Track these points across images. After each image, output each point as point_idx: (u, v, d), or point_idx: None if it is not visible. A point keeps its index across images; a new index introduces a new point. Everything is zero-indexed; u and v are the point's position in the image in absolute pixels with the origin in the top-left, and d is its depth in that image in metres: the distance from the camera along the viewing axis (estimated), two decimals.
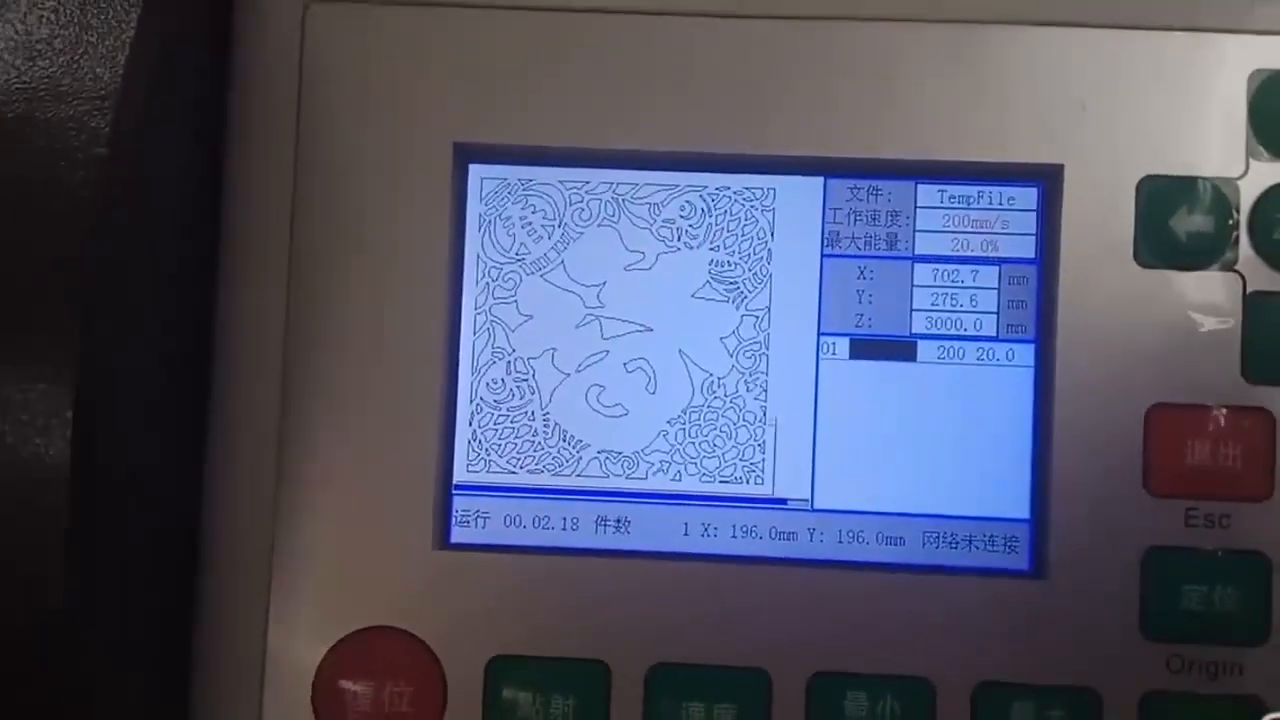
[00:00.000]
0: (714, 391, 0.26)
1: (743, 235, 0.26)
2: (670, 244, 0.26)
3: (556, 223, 0.26)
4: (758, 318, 0.26)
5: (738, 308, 0.26)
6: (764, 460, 0.26)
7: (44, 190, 0.22)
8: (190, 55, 0.25)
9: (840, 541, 0.25)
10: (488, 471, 0.26)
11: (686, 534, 0.26)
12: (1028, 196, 0.26)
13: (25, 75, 0.23)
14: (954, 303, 0.26)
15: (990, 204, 0.26)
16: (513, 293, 0.26)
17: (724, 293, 0.26)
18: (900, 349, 0.26)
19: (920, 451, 0.25)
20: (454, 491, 0.26)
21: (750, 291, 0.26)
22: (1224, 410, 0.24)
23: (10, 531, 0.20)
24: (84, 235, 0.21)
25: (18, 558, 0.20)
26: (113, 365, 0.21)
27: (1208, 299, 0.25)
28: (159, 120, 0.23)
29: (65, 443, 0.20)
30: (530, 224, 0.26)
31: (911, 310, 0.26)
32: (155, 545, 0.24)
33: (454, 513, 0.26)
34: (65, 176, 0.22)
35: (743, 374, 0.26)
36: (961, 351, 0.26)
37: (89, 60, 0.23)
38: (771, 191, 0.26)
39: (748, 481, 0.26)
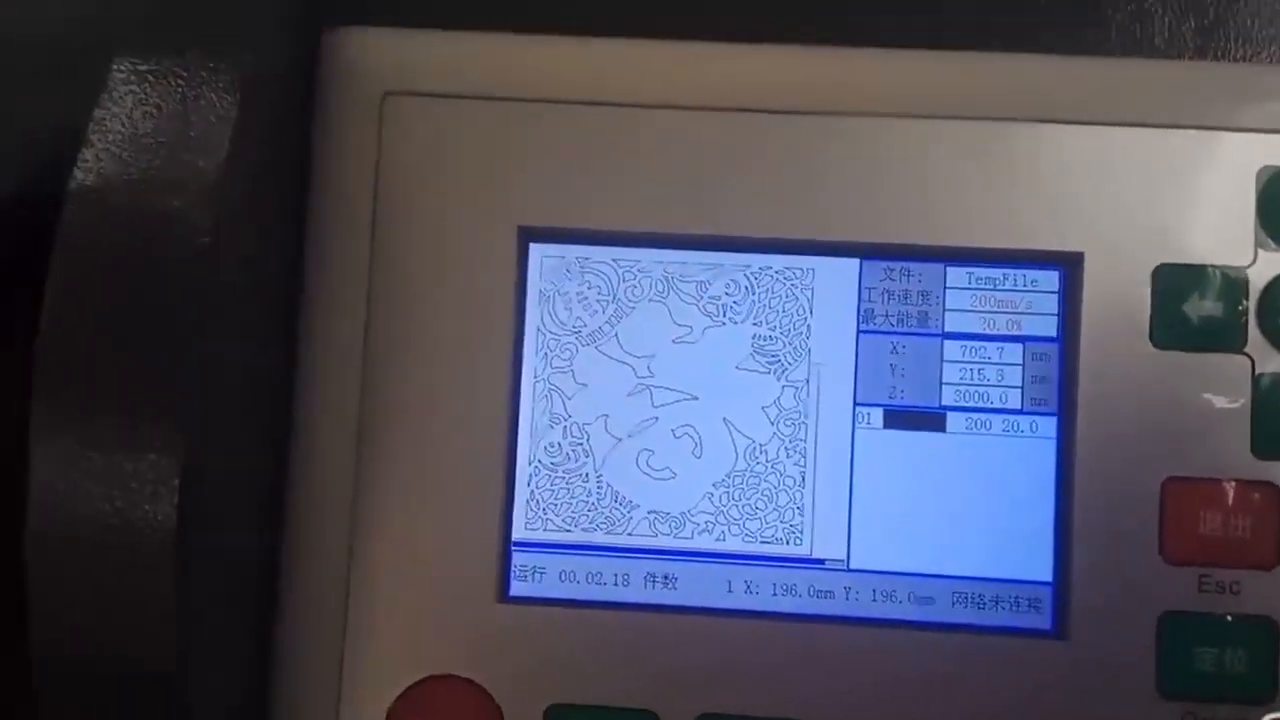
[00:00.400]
0: (756, 457, 0.28)
1: (783, 312, 0.28)
2: (716, 319, 0.28)
3: (610, 298, 0.28)
4: (797, 389, 0.28)
5: (779, 379, 0.28)
6: (803, 522, 0.28)
7: (152, 275, 0.24)
8: (283, 143, 0.27)
9: (874, 600, 0.27)
10: (545, 529, 0.28)
11: (730, 591, 0.28)
12: (1050, 279, 0.28)
13: (132, 167, 0.25)
14: (981, 377, 0.28)
15: (1015, 286, 0.28)
16: (569, 363, 0.28)
17: (766, 365, 0.28)
18: (931, 420, 0.28)
19: (950, 516, 0.27)
20: (513, 548, 0.28)
21: (790, 364, 0.28)
22: (1234, 483, 0.26)
23: (120, 591, 0.22)
24: (190, 318, 0.23)
25: (127, 617, 0.22)
26: (211, 435, 0.23)
27: (1219, 379, 0.26)
28: (257, 206, 0.26)
29: (172, 508, 0.22)
30: (586, 299, 0.28)
31: (941, 384, 0.28)
32: (242, 599, 0.26)
33: (513, 568, 0.28)
34: (171, 262, 0.24)
35: (783, 441, 0.28)
36: (988, 423, 0.28)
37: (191, 154, 0.25)
38: (810, 272, 0.28)
39: (788, 542, 0.28)
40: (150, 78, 0.26)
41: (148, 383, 0.23)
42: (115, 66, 0.25)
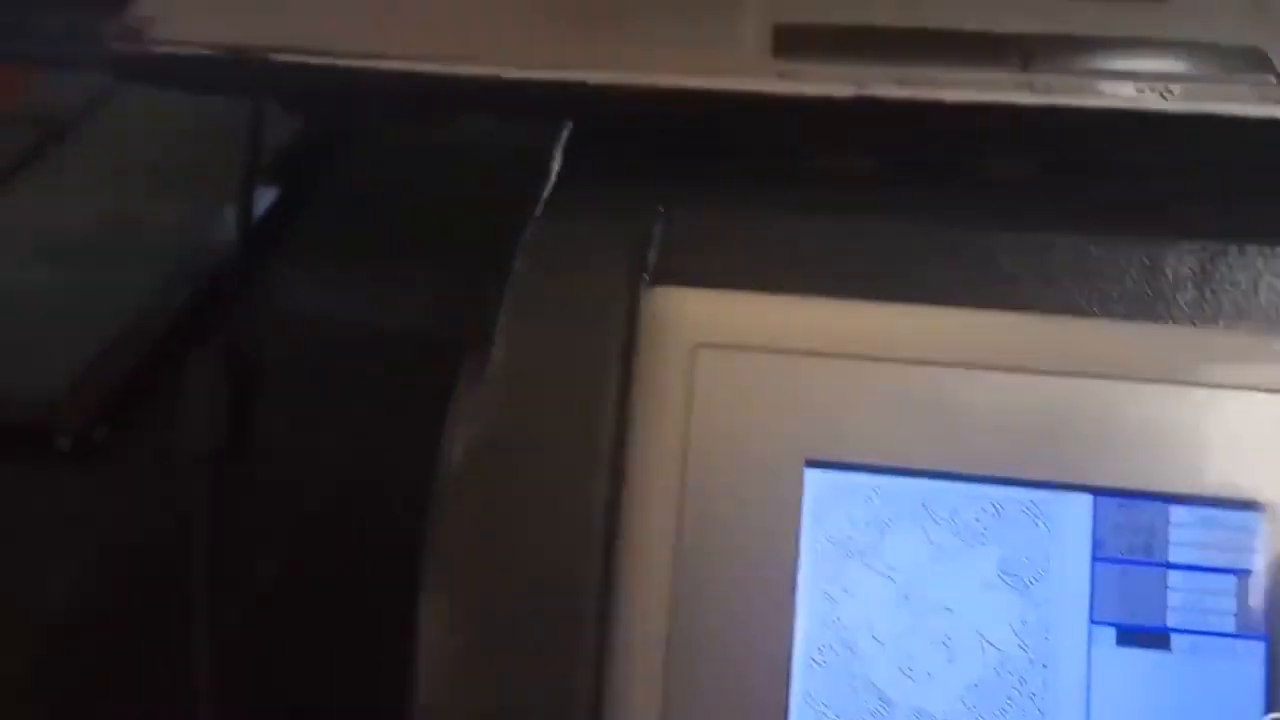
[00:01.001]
0: (1004, 666, 0.32)
1: (1026, 539, 0.33)
2: (967, 542, 0.33)
3: (875, 520, 0.33)
4: (1039, 607, 0.32)
5: (1022, 597, 0.32)
6: None
7: (532, 495, 0.29)
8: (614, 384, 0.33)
9: None
10: None
11: None
12: (1259, 522, 0.32)
13: (505, 409, 0.30)
14: (1201, 604, 0.32)
15: (1229, 525, 0.32)
16: (839, 575, 0.33)
17: (1011, 584, 0.33)
18: (1157, 640, 0.32)
19: None
20: None
21: (1032, 585, 0.33)
22: None
23: None
24: (565, 526, 0.28)
25: None
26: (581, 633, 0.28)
27: None
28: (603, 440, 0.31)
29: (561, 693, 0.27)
30: (855, 520, 0.33)
31: (1167, 608, 0.32)
32: None
33: None
34: (546, 481, 0.29)
35: (1027, 653, 0.32)
36: (1206, 644, 0.32)
37: (551, 401, 0.30)
38: (1050, 505, 0.33)
39: None
40: (519, 339, 0.31)
41: (548, 588, 0.28)
42: None
